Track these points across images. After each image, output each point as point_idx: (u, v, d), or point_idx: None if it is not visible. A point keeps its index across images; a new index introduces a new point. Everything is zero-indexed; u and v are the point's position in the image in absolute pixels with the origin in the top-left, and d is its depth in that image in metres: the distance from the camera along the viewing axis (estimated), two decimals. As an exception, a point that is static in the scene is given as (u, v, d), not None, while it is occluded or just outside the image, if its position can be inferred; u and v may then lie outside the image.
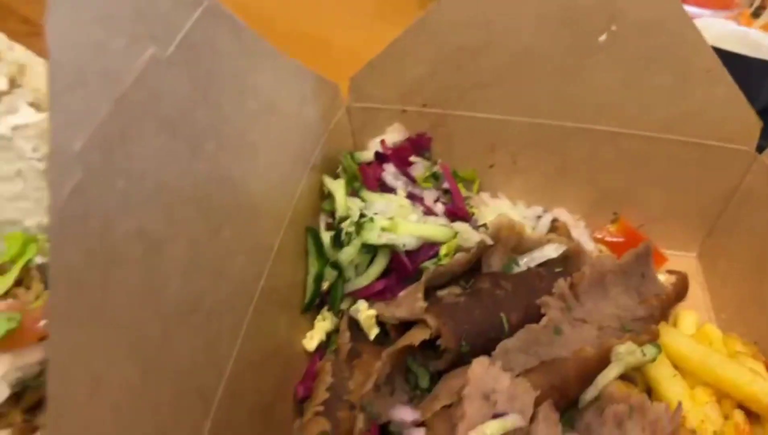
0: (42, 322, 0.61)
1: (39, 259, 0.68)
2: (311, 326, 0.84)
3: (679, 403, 0.62)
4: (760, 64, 1.11)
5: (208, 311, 0.61)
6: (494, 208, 0.95)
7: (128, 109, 0.50)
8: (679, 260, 0.97)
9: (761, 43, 1.21)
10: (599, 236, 0.98)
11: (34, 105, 0.68)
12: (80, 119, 0.45)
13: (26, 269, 0.68)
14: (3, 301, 0.65)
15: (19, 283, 0.67)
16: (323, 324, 0.83)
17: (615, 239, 0.96)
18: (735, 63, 1.13)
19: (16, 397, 0.60)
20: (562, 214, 0.98)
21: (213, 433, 0.60)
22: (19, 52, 0.68)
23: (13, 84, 0.67)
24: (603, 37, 0.90)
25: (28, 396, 0.61)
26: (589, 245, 0.94)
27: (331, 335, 0.84)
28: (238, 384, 0.65)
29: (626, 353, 0.70)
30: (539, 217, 0.98)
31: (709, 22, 1.27)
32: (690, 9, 1.36)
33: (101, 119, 0.47)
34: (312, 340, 0.82)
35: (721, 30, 1.24)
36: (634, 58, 0.90)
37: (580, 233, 0.96)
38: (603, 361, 0.71)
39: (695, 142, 0.92)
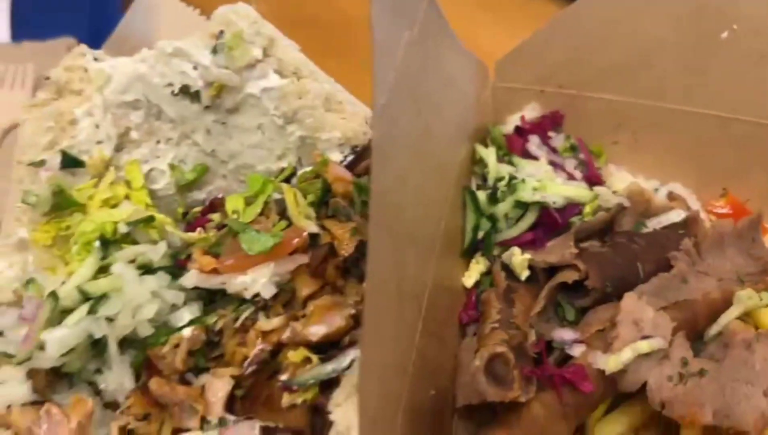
0: (294, 241, 0.78)
1: (275, 196, 0.86)
2: (467, 268, 1.00)
3: (801, 332, 0.77)
4: None
5: (422, 240, 0.78)
6: (620, 178, 1.09)
7: (398, 78, 0.67)
8: (780, 234, 1.10)
9: None
10: (709, 209, 1.11)
11: (278, 72, 0.86)
12: (383, 83, 0.62)
13: (266, 203, 0.85)
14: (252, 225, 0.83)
15: (259, 214, 0.85)
16: (478, 266, 0.99)
17: (723, 211, 1.10)
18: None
19: (275, 295, 0.77)
20: (677, 188, 1.11)
21: (422, 333, 0.77)
22: (269, 28, 0.85)
23: (266, 54, 0.84)
24: (725, 35, 1.03)
25: (282, 296, 0.79)
26: (702, 215, 1.08)
27: (482, 276, 1.00)
28: (432, 301, 0.82)
29: (746, 297, 0.85)
30: (656, 189, 1.12)
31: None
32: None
33: (390, 84, 0.64)
34: (470, 278, 0.98)
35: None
36: (750, 54, 1.03)
37: (692, 204, 1.09)
38: (726, 303, 0.86)
39: (800, 129, 1.05)
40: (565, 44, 1.10)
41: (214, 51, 0.83)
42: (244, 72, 0.84)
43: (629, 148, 1.15)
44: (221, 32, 0.83)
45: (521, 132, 1.10)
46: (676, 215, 1.00)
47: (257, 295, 0.75)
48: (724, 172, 1.12)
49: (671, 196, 1.10)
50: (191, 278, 0.75)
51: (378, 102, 0.60)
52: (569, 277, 0.88)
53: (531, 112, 1.14)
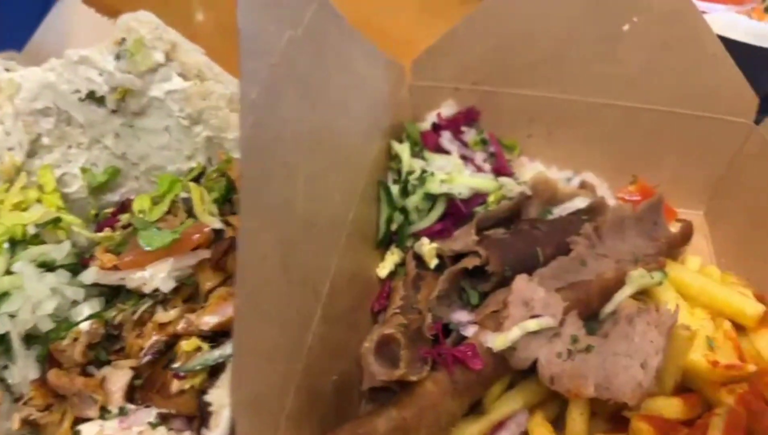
0: (195, 236, 0.81)
1: (183, 195, 0.89)
2: (382, 259, 1.04)
3: (677, 305, 0.81)
4: (765, 53, 1.28)
5: (320, 229, 0.82)
6: (532, 169, 1.13)
7: (278, 73, 0.70)
8: (688, 217, 1.14)
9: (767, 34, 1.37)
10: (620, 196, 1.15)
11: (182, 75, 0.89)
12: (253, 78, 0.65)
13: (173, 202, 0.88)
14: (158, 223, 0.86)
15: (167, 212, 0.88)
16: (392, 257, 1.03)
17: (634, 198, 1.14)
18: (742, 51, 1.31)
19: (176, 289, 0.80)
20: (589, 177, 1.16)
21: (320, 321, 0.80)
22: (172, 34, 0.89)
23: (168, 58, 0.88)
24: (626, 27, 1.08)
25: (184, 290, 0.82)
26: (611, 202, 1.12)
27: (398, 267, 1.03)
28: (336, 289, 0.85)
29: (638, 277, 0.89)
30: (569, 179, 1.17)
31: (721, 15, 1.44)
32: (704, 4, 1.53)
33: (264, 80, 0.67)
34: (384, 269, 1.01)
35: (731, 22, 1.40)
36: (652, 44, 1.08)
37: (604, 192, 1.14)
38: (619, 283, 0.90)
39: (703, 115, 1.10)
40: (478, 43, 1.14)
41: (118, 57, 0.87)
42: (147, 76, 0.88)
43: (544, 140, 1.20)
44: (123, 39, 0.86)
45: (437, 128, 1.14)
46: (581, 202, 1.04)
47: (157, 289, 0.78)
48: (636, 159, 1.17)
49: (583, 185, 1.15)
50: (90, 275, 0.78)
51: (247, 96, 0.64)
52: (470, 262, 0.92)
53: (448, 109, 1.18)
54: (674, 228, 1.05)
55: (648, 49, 1.09)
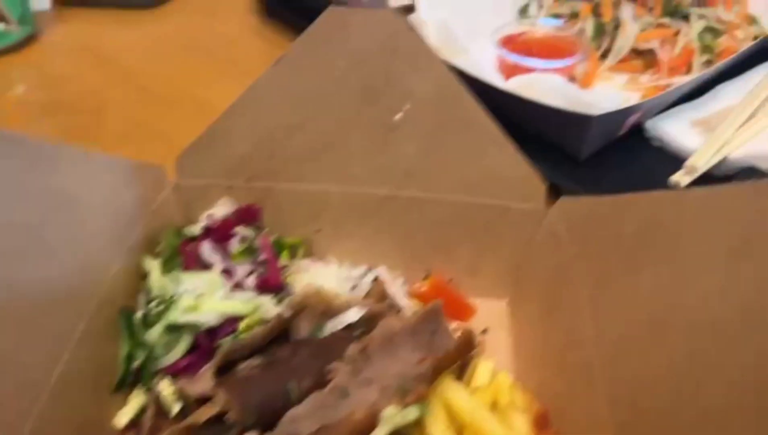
0: None
1: None
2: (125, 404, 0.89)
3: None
4: (580, 118, 1.21)
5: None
6: (313, 274, 1.01)
7: None
8: (492, 308, 1.04)
9: (582, 99, 1.31)
10: (415, 292, 1.05)
11: None
12: None
13: None
14: None
15: None
16: (137, 400, 0.88)
17: (427, 294, 1.04)
18: (560, 117, 1.24)
19: None
20: (382, 273, 1.05)
21: None
22: None
23: None
24: (399, 116, 0.99)
25: None
26: (404, 301, 1.01)
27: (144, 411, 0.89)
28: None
29: (390, 416, 0.77)
30: (363, 275, 1.05)
31: (541, 78, 1.38)
32: (533, 61, 1.47)
33: None
34: (124, 416, 0.86)
35: (547, 86, 1.34)
36: (425, 132, 0.99)
37: (397, 290, 1.03)
38: (372, 423, 0.78)
39: (489, 202, 1.00)
40: (246, 135, 1.03)
41: None
42: None
43: (333, 235, 1.08)
44: None
45: (208, 233, 1.01)
46: (354, 313, 0.92)
47: None
48: (429, 251, 1.07)
49: (374, 283, 1.04)
50: None
51: None
52: (204, 414, 0.78)
53: (222, 208, 1.05)
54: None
55: (422, 137, 1.00)
